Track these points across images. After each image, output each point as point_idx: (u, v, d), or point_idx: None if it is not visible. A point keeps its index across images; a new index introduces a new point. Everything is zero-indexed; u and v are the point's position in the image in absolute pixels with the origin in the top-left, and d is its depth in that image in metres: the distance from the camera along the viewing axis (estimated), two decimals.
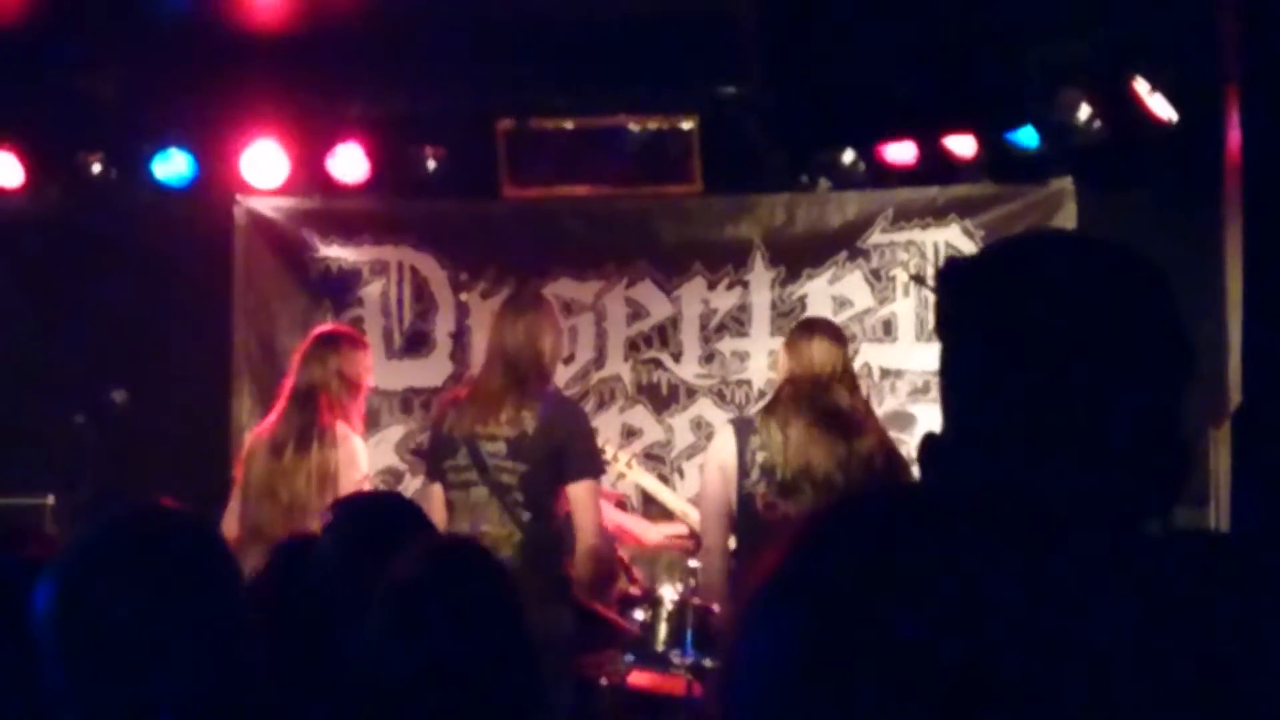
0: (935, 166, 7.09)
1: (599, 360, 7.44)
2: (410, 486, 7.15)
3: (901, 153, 7.04)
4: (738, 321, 7.41)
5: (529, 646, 2.65)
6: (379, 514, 3.26)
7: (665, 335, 7.44)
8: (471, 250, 7.48)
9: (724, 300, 7.41)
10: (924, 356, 7.14)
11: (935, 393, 1.68)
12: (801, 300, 7.33)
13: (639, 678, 5.60)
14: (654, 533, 6.47)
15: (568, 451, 5.33)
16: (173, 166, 7.18)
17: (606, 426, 7.21)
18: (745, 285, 7.40)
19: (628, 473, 6.77)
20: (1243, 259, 5.62)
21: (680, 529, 6.42)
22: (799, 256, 7.36)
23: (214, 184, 7.26)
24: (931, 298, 1.70)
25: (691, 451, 7.31)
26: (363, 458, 5.85)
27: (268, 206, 7.45)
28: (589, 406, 7.06)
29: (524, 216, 7.44)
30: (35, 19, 6.25)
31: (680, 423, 7.40)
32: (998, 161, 7.06)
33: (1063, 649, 0.93)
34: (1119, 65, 6.24)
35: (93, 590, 2.06)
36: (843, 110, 6.59)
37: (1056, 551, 0.98)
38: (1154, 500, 1.57)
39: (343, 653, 2.71)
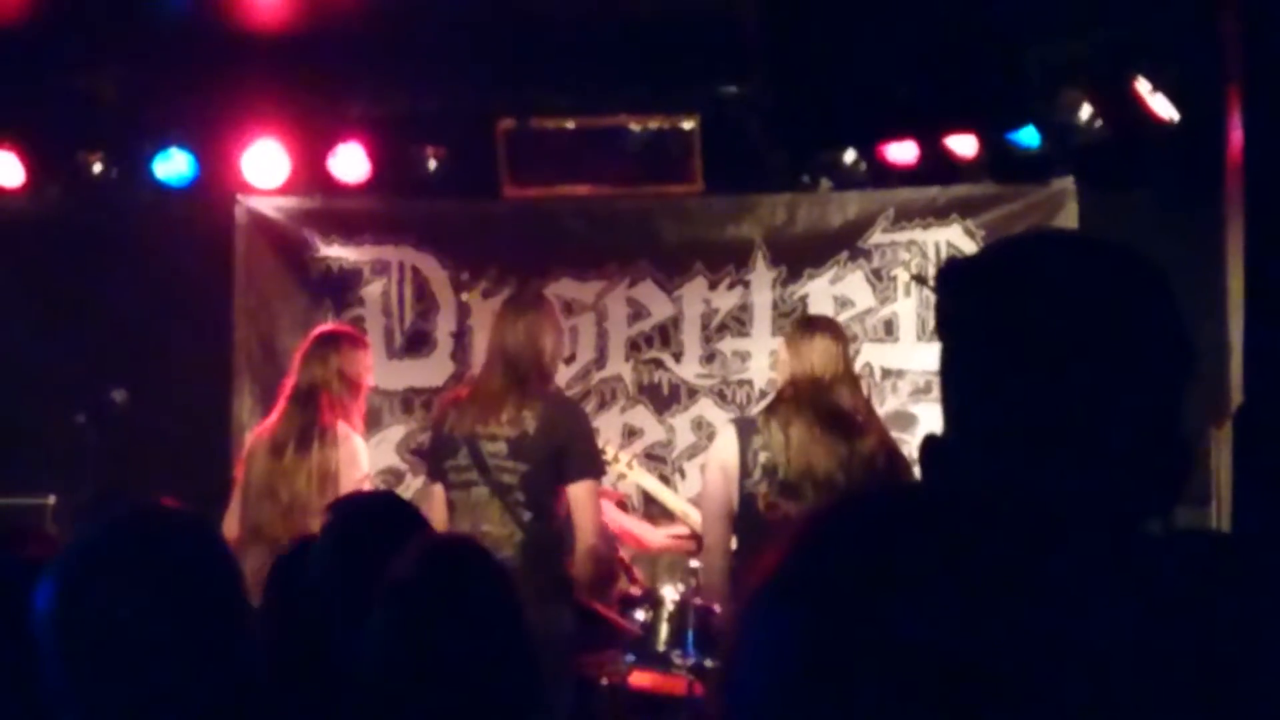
0: (936, 166, 7.09)
1: (600, 360, 7.44)
2: (411, 486, 7.16)
3: (903, 153, 7.05)
4: (739, 321, 7.41)
5: (529, 646, 2.65)
6: (375, 514, 3.26)
7: (666, 335, 7.45)
8: (472, 250, 7.48)
9: (725, 300, 7.41)
10: (925, 356, 7.14)
11: (936, 393, 1.68)
12: (803, 300, 7.33)
13: (640, 678, 5.60)
14: (657, 536, 6.47)
15: (568, 451, 5.33)
16: (173, 166, 7.18)
17: (607, 427, 7.22)
18: (746, 285, 7.40)
19: (628, 473, 6.77)
20: (1244, 259, 5.62)
21: (681, 529, 6.42)
22: (800, 256, 7.36)
23: (215, 184, 7.26)
24: (933, 298, 1.70)
25: (692, 452, 7.31)
26: (363, 457, 5.85)
27: (269, 206, 7.45)
28: (590, 407, 7.06)
29: (525, 216, 7.44)
30: (36, 19, 6.25)
31: (681, 423, 7.40)
32: (999, 161, 7.06)
33: (1063, 649, 0.93)
34: (1120, 65, 6.24)
35: (93, 590, 2.06)
36: (844, 110, 6.59)
37: (1056, 551, 0.98)
38: (1154, 500, 1.57)
39: (343, 653, 2.71)
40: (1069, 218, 7.05)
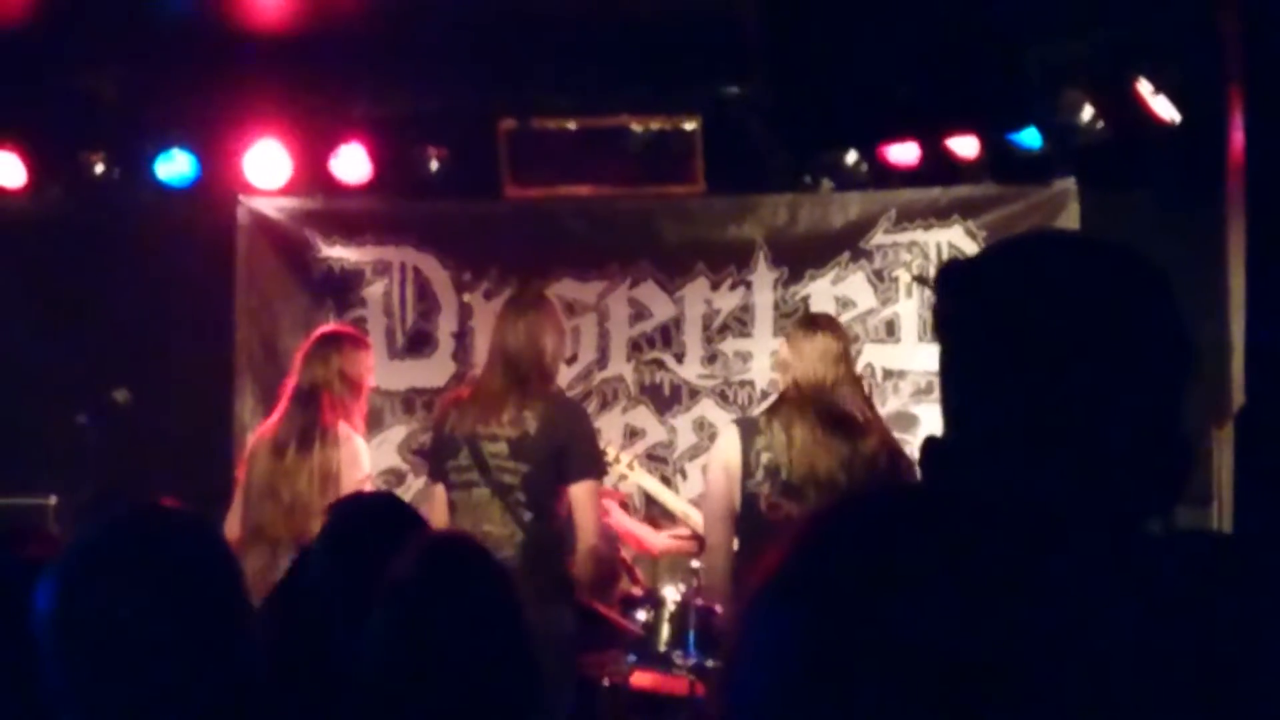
0: (938, 167, 7.09)
1: (601, 361, 7.44)
2: (413, 487, 7.16)
3: (904, 153, 7.05)
4: (740, 322, 7.41)
5: (529, 646, 2.64)
6: (375, 515, 3.26)
7: (668, 336, 7.45)
8: (474, 250, 7.48)
9: (727, 301, 7.40)
10: (927, 357, 7.14)
11: (938, 393, 1.67)
12: (804, 301, 7.33)
13: (641, 678, 5.60)
14: (659, 540, 6.47)
15: (569, 452, 5.34)
16: (175, 166, 7.19)
17: (609, 427, 7.22)
18: (748, 286, 7.39)
19: (630, 474, 6.77)
20: (1245, 259, 5.61)
21: (682, 530, 6.42)
22: (802, 257, 7.36)
23: (216, 184, 7.26)
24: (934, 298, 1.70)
25: (694, 452, 7.31)
26: (365, 458, 5.85)
27: (270, 207, 7.45)
28: (591, 407, 7.06)
29: (526, 217, 7.44)
30: (38, 19, 6.26)
31: (683, 423, 7.40)
32: (1000, 162, 7.06)
33: (1063, 649, 0.93)
34: (1121, 65, 6.24)
35: (93, 590, 2.06)
36: (845, 111, 6.59)
37: (1056, 551, 0.98)
38: (1155, 500, 1.57)
39: (343, 653, 2.71)
40: (1070, 218, 7.05)
